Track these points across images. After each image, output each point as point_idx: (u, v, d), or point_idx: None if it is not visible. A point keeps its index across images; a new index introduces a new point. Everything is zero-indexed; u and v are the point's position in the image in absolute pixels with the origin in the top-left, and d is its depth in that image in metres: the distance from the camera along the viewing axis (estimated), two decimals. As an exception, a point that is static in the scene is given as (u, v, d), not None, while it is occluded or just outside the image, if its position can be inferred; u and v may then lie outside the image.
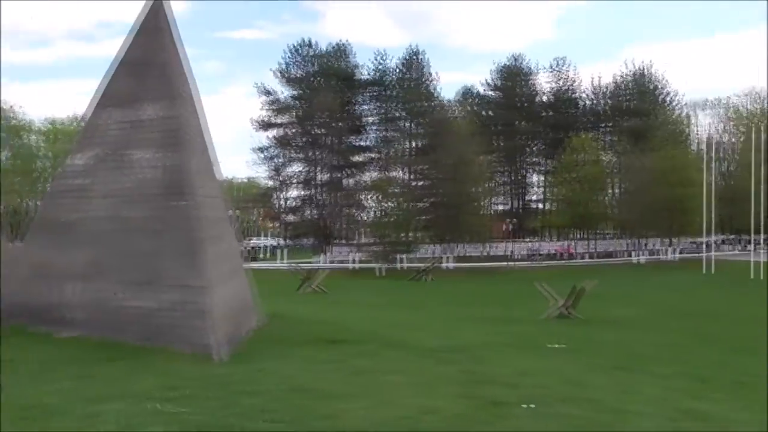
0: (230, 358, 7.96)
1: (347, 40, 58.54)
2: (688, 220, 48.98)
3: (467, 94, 69.21)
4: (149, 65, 9.42)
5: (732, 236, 57.44)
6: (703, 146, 51.89)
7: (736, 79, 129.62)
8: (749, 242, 44.51)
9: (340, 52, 57.55)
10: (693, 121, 66.31)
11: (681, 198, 47.31)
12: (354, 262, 44.57)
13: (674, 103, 63.43)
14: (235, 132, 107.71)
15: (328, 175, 55.69)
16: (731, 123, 64.33)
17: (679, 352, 11.52)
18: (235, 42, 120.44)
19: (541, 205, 69.25)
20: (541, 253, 53.08)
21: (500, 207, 68.94)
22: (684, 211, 48.26)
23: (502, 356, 9.51)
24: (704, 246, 43.56)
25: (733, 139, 62.94)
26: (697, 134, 65.28)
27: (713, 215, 40.87)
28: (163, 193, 8.91)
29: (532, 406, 5.96)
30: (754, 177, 38.47)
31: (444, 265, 43.35)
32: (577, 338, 12.65)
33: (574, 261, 50.04)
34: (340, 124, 54.55)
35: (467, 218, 47.73)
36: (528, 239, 62.59)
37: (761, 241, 42.73)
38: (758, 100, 64.48)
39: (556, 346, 11.17)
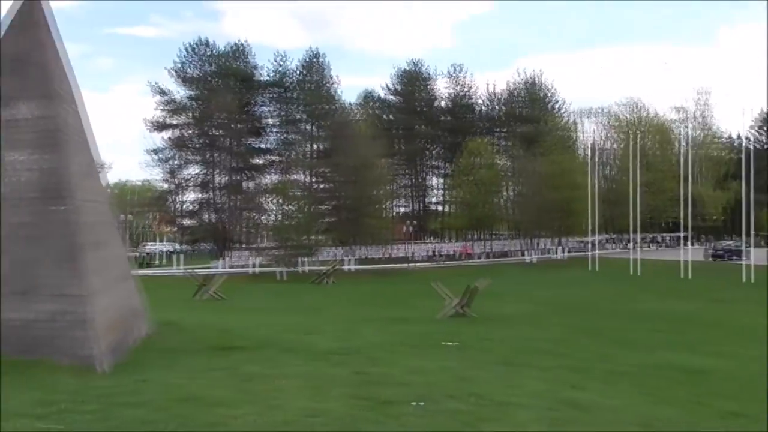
0: (114, 368, 7.63)
1: (246, 41, 57.44)
2: (575, 220, 51.76)
3: (368, 97, 69.82)
4: (24, 62, 8.85)
5: (614, 235, 61.22)
6: (588, 152, 55.05)
7: (617, 90, 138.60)
8: (629, 241, 47.65)
9: (239, 52, 56.35)
10: (579, 128, 70.21)
11: (568, 200, 50.01)
12: (254, 266, 43.76)
13: (562, 111, 67.00)
14: (129, 132, 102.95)
15: (227, 177, 54.35)
16: (613, 130, 68.60)
17: (563, 346, 12.16)
18: (130, 39, 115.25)
19: (440, 207, 70.90)
20: (442, 254, 54.35)
21: (401, 209, 69.96)
22: (571, 213, 51.02)
23: (397, 356, 9.68)
24: (590, 245, 46.19)
25: (615, 146, 67.12)
26: (583, 140, 69.19)
27: (597, 216, 43.47)
28: (40, 197, 8.40)
29: (421, 403, 6.11)
30: (632, 181, 41.26)
31: (346, 267, 43.45)
32: (469, 336, 13.07)
33: (472, 261, 51.59)
34: (239, 125, 53.32)
35: (369, 221, 48.11)
36: (428, 240, 63.91)
37: (639, 240, 45.83)
38: (636, 110, 69.30)
39: (450, 344, 11.49)
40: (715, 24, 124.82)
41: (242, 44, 56.70)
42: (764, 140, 59.25)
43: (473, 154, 55.75)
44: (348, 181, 48.07)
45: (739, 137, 47.58)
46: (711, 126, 71.20)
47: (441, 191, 70.56)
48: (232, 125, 52.36)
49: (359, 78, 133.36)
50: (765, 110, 52.68)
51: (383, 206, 57.28)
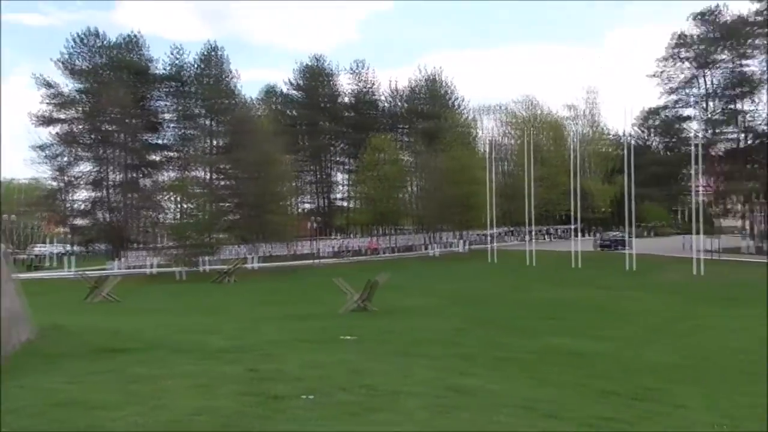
0: (-13, 377, 7.15)
1: (140, 32, 55.12)
2: (475, 214, 53.40)
3: (271, 92, 68.90)
4: None
5: (512, 228, 63.65)
6: (487, 148, 56.95)
7: (514, 87, 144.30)
8: (526, 233, 49.77)
9: (133, 44, 53.98)
10: (479, 125, 72.45)
11: (468, 195, 51.60)
12: (152, 267, 42.17)
13: (462, 108, 68.92)
14: (15, 127, 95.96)
15: (122, 175, 51.99)
16: (510, 127, 71.26)
17: (457, 336, 12.58)
18: (18, 27, 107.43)
19: (346, 203, 71.10)
20: (349, 249, 54.59)
21: (306, 206, 69.63)
22: (471, 207, 52.65)
23: (293, 352, 9.65)
24: (489, 238, 47.83)
25: (512, 142, 69.75)
26: (482, 137, 71.49)
27: (495, 210, 45.11)
28: None
29: (311, 397, 6.14)
30: (527, 176, 43.11)
31: (249, 265, 42.74)
32: (369, 329, 13.24)
33: (377, 256, 52.13)
34: (134, 120, 51.14)
35: (272, 218, 47.49)
36: (334, 237, 63.95)
37: (534, 232, 47.88)
38: (531, 107, 72.37)
39: (348, 338, 11.60)
40: (603, 25, 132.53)
41: (135, 36, 54.39)
42: (645, 137, 63.36)
43: (377, 150, 56.33)
44: (250, 178, 47.25)
45: (624, 134, 50.58)
46: (599, 123, 75.49)
47: (346, 187, 70.81)
48: (126, 120, 50.14)
49: (262, 72, 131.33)
50: (645, 108, 56.53)
51: (287, 203, 56.80)
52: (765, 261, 31.46)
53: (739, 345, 12.05)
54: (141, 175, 54.01)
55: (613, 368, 9.50)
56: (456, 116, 65.99)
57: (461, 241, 56.00)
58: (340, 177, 71.67)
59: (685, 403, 7.23)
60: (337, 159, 70.20)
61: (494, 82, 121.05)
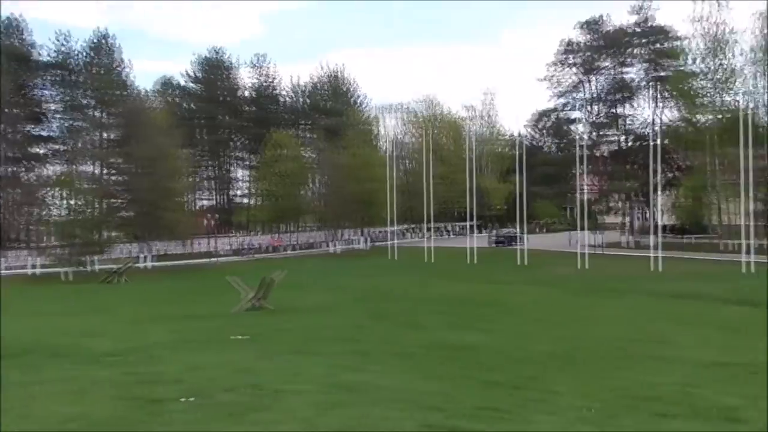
0: None
1: (21, 15, 51.56)
2: (376, 211, 54.02)
3: (167, 85, 66.35)
4: None
5: (413, 225, 64.80)
6: (388, 146, 57.67)
7: (415, 87, 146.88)
8: (428, 230, 50.81)
9: (13, 28, 50.34)
10: (381, 123, 73.22)
11: (370, 192, 52.09)
12: (35, 267, 39.56)
13: (364, 106, 69.40)
14: None
15: (1, 168, 48.35)
16: (411, 126, 72.53)
17: (353, 332, 12.64)
18: None
19: (246, 200, 69.75)
20: (251, 246, 53.62)
21: (205, 202, 67.72)
22: (373, 204, 53.22)
23: (178, 354, 9.37)
24: (389, 235, 48.47)
25: (413, 140, 71.01)
26: (385, 134, 72.31)
27: (395, 207, 45.76)
28: None
29: (192, 399, 5.99)
30: (425, 174, 44.03)
31: (142, 264, 41.03)
32: (263, 328, 13.06)
33: (279, 254, 51.53)
34: (15, 110, 47.68)
35: (167, 214, 45.69)
36: (233, 234, 62.54)
37: (433, 229, 49.04)
38: (431, 107, 73.97)
39: (240, 337, 11.38)
40: (500, 25, 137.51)
41: (16, 19, 50.75)
42: (538, 138, 66.41)
43: (278, 146, 55.70)
44: (143, 173, 45.24)
45: (517, 135, 52.96)
46: (495, 124, 78.35)
47: (246, 183, 69.47)
48: (6, 110, 46.65)
49: (162, 65, 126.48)
50: (537, 111, 59.32)
51: (184, 199, 54.92)
52: (642, 254, 33.81)
53: (612, 333, 12.88)
54: (23, 169, 50.48)
55: (498, 359, 9.87)
56: (358, 114, 66.42)
57: (363, 238, 56.40)
58: (240, 173, 70.29)
59: (560, 390, 7.62)
60: (237, 154, 68.72)
61: (396, 81, 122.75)
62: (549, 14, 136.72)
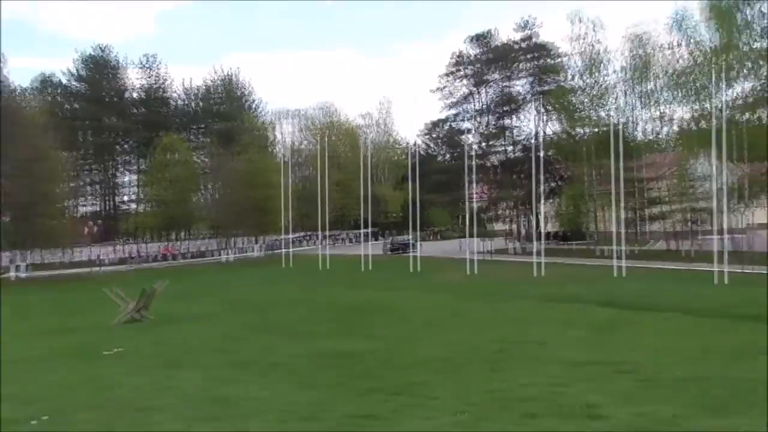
0: None
1: None
2: (271, 219, 53.11)
3: (46, 83, 62.20)
4: None
5: (309, 233, 64.31)
6: (285, 152, 57.06)
7: (313, 94, 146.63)
8: (324, 238, 50.55)
9: None
10: (278, 129, 72.31)
11: (265, 199, 51.20)
12: None
13: (260, 111, 68.28)
14: None
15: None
16: (308, 132, 72.14)
17: (235, 343, 12.30)
18: None
19: (134, 206, 66.55)
20: (140, 255, 51.15)
21: (88, 208, 63.98)
22: (268, 211, 52.31)
23: (42, 371, 8.75)
24: (284, 242, 47.83)
25: (310, 147, 70.61)
26: (282, 140, 71.49)
27: (290, 214, 45.25)
28: None
29: (45, 418, 5.57)
30: (320, 181, 43.86)
31: (12, 274, 38.10)
32: (140, 341, 12.48)
33: (169, 263, 49.50)
34: None
35: (44, 221, 42.69)
36: (119, 241, 59.44)
37: (328, 237, 48.82)
38: (329, 114, 73.96)
39: (113, 351, 10.79)
40: (400, 38, 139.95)
41: None
42: (433, 147, 68.02)
43: (168, 150, 53.69)
44: (17, 176, 42.00)
45: (411, 144, 54.18)
46: (391, 132, 79.56)
47: (134, 189, 66.32)
48: None
49: (49, 62, 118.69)
50: (430, 121, 60.89)
51: (64, 205, 51.60)
52: (527, 260, 35.34)
53: (495, 336, 13.27)
54: None
55: (382, 366, 9.91)
56: (253, 119, 65.22)
57: (256, 246, 55.36)
58: (128, 178, 66.98)
59: (438, 395, 7.76)
60: (125, 158, 65.49)
61: (294, 88, 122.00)
62: (446, 27, 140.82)
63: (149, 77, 63.65)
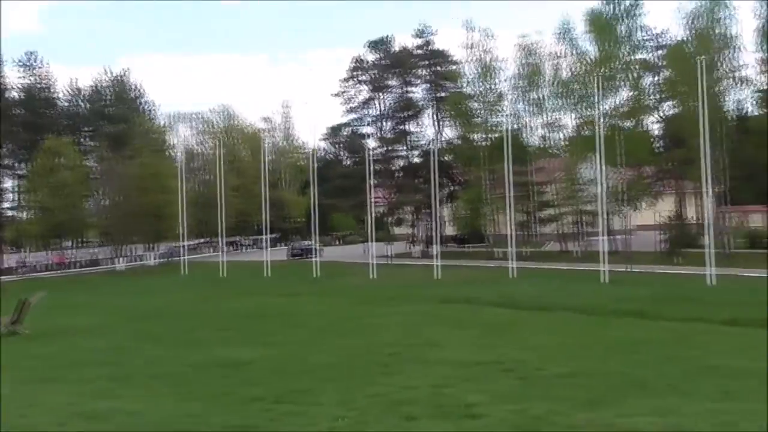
0: None
1: None
2: (168, 225, 51.22)
3: None
4: None
5: (209, 239, 62.54)
6: (181, 155, 55.16)
7: (212, 97, 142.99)
8: (225, 244, 49.22)
9: None
10: (174, 132, 69.80)
11: (161, 204, 49.28)
12: None
13: (154, 113, 65.60)
14: None
15: None
16: (206, 136, 70.18)
17: (119, 355, 11.74)
18: None
19: (16, 213, 61.98)
20: (25, 265, 47.83)
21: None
22: (164, 217, 50.42)
23: None
24: (182, 250, 46.21)
25: (209, 151, 68.68)
26: (178, 144, 69.13)
27: (185, 221, 43.75)
28: None
29: None
30: (219, 186, 42.74)
31: None
32: (11, 355, 11.68)
33: (59, 272, 46.61)
34: None
35: None
36: (7, 251, 55.34)
37: (226, 243, 47.66)
38: (228, 117, 72.29)
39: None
40: (305, 42, 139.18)
41: None
42: (336, 151, 67.99)
43: (54, 154, 50.60)
44: None
45: (312, 148, 53.91)
46: (293, 136, 78.90)
47: (16, 195, 61.84)
48: None
49: None
50: (330, 125, 60.68)
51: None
52: (427, 263, 36.00)
53: (390, 339, 13.39)
54: None
55: (270, 374, 9.75)
56: (147, 122, 62.55)
57: (152, 254, 53.18)
58: (9, 183, 62.31)
59: (322, 401, 7.71)
60: (5, 163, 60.84)
61: (191, 90, 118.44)
62: (346, 32, 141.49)
63: (32, 76, 59.65)
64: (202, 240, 62.02)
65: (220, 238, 44.37)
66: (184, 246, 46.12)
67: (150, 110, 64.73)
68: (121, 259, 51.10)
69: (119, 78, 62.07)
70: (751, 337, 13.19)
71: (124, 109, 60.32)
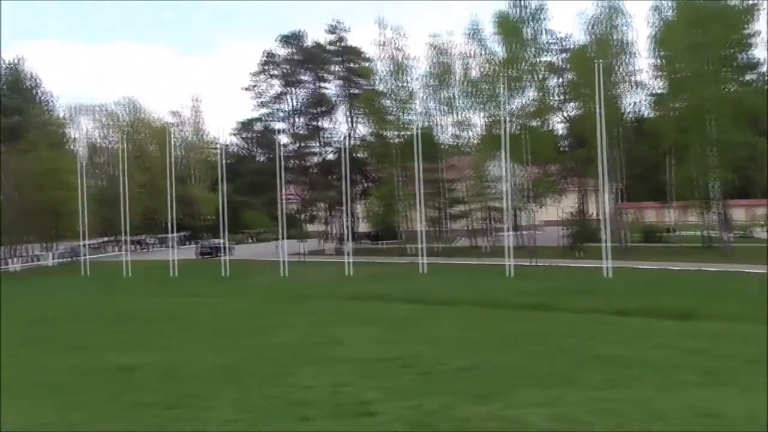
0: None
1: None
2: (68, 223, 48.49)
3: None
4: None
5: (113, 238, 59.60)
6: (82, 150, 52.36)
7: (117, 89, 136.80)
8: (130, 243, 47.02)
9: None
10: (75, 125, 66.08)
11: (59, 201, 46.68)
12: None
13: (52, 105, 61.80)
14: None
15: None
16: (110, 129, 66.88)
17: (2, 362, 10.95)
18: None
19: None
20: None
21: None
22: (63, 215, 47.77)
23: None
24: (82, 249, 43.91)
25: (114, 145, 65.45)
26: (80, 138, 65.58)
27: (86, 218, 41.55)
28: None
29: None
30: (122, 182, 40.79)
31: None
32: None
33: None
34: None
35: None
36: None
37: (130, 242, 45.53)
38: (134, 111, 69.14)
39: None
40: (216, 34, 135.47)
41: None
42: (248, 147, 66.40)
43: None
44: None
45: (221, 143, 52.57)
46: (203, 131, 76.62)
47: None
48: None
49: None
50: (241, 120, 59.16)
51: None
52: (340, 260, 35.88)
53: (293, 338, 13.21)
54: None
55: (163, 378, 9.39)
56: (44, 113, 58.88)
57: (50, 254, 50.26)
58: None
59: (216, 405, 7.49)
60: None
61: (94, 81, 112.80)
62: (258, 27, 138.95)
63: None
64: (106, 239, 59.13)
65: (124, 237, 42.38)
66: (85, 245, 43.82)
67: (48, 101, 60.88)
68: (15, 259, 47.98)
69: (12, 66, 58.09)
70: (639, 327, 13.98)
71: (18, 99, 56.46)
